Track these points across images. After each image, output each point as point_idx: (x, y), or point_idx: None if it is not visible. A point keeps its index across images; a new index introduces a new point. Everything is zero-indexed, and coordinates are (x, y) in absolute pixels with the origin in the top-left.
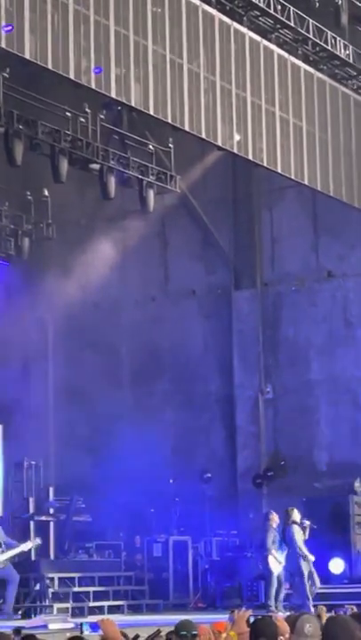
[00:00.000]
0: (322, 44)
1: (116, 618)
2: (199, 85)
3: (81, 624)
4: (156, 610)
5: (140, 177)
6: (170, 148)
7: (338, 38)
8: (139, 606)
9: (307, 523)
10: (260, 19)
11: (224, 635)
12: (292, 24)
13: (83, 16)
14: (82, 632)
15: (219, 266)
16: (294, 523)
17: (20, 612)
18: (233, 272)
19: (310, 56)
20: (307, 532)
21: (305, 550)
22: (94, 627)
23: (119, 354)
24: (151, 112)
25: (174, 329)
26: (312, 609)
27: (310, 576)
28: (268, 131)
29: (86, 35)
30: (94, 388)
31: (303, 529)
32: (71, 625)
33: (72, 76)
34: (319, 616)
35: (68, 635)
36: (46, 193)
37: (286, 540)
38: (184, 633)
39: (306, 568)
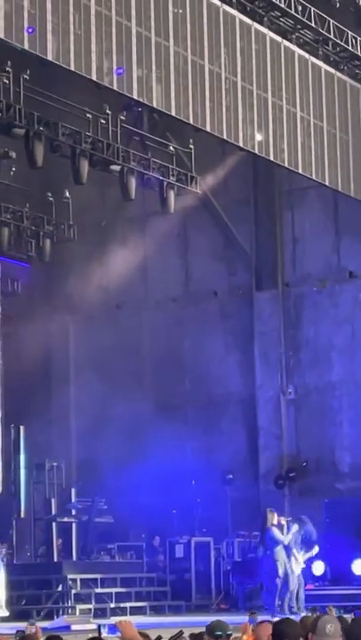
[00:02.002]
0: (343, 44)
1: (139, 619)
2: (220, 86)
3: (99, 626)
4: (178, 611)
5: (160, 178)
6: (191, 148)
7: (359, 38)
8: (161, 607)
9: (284, 521)
10: (281, 19)
11: (245, 637)
12: (312, 24)
13: (104, 17)
14: (100, 634)
15: (240, 266)
16: (273, 525)
17: (42, 613)
18: (254, 273)
19: (331, 56)
20: (285, 530)
21: (282, 554)
22: (112, 629)
23: (140, 355)
24: (172, 113)
25: (195, 330)
26: (277, 609)
27: (286, 579)
28: (289, 131)
29: (108, 36)
30: (116, 388)
31: (281, 527)
32: (93, 626)
33: (94, 78)
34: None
35: (90, 636)
36: (67, 194)
37: (265, 541)
38: (219, 633)
39: (281, 568)
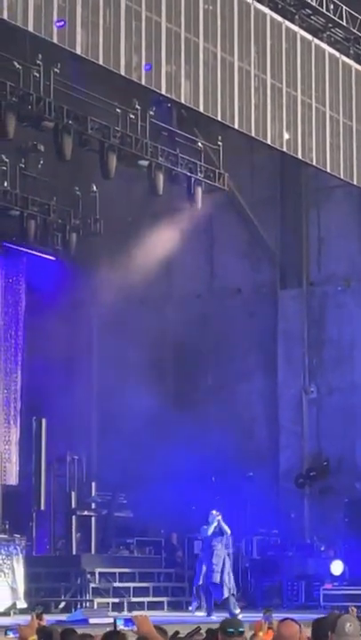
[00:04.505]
0: None
1: (156, 614)
2: (250, 83)
3: (115, 619)
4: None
5: (188, 174)
6: (219, 145)
7: None
8: (179, 603)
9: (217, 516)
10: (312, 17)
11: (261, 634)
12: (344, 23)
13: (134, 12)
14: (115, 627)
15: (265, 264)
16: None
17: (60, 606)
18: (279, 271)
19: None
20: (211, 528)
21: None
22: (128, 622)
23: (163, 350)
24: (201, 109)
25: (219, 326)
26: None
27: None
28: (317, 130)
29: (137, 31)
30: (138, 383)
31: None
32: (111, 620)
33: (123, 73)
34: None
35: (108, 629)
36: (94, 188)
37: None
38: (231, 630)
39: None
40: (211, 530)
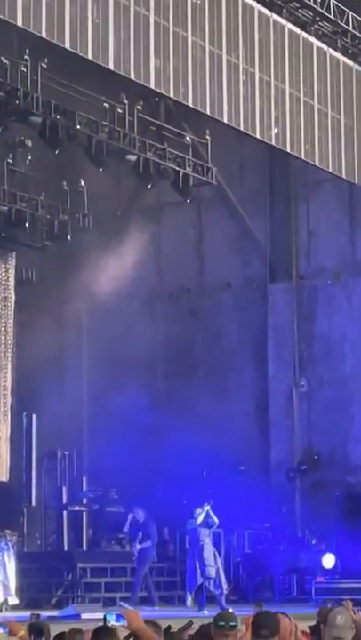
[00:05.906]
0: None
1: (148, 609)
2: (238, 77)
3: (105, 615)
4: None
5: (176, 168)
6: (207, 139)
7: None
8: (171, 598)
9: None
10: (300, 10)
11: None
12: (331, 16)
13: (123, 7)
14: (105, 623)
15: (254, 258)
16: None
17: (53, 602)
18: (269, 265)
19: (349, 49)
20: (201, 517)
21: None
22: (119, 617)
23: (154, 345)
24: (189, 103)
25: (209, 321)
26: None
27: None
28: (306, 123)
29: (126, 25)
30: (128, 379)
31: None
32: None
33: (111, 67)
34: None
35: (99, 624)
36: (83, 183)
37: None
38: (222, 624)
39: None
40: (200, 519)
